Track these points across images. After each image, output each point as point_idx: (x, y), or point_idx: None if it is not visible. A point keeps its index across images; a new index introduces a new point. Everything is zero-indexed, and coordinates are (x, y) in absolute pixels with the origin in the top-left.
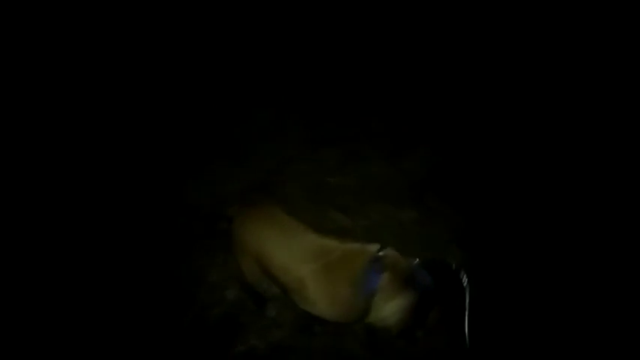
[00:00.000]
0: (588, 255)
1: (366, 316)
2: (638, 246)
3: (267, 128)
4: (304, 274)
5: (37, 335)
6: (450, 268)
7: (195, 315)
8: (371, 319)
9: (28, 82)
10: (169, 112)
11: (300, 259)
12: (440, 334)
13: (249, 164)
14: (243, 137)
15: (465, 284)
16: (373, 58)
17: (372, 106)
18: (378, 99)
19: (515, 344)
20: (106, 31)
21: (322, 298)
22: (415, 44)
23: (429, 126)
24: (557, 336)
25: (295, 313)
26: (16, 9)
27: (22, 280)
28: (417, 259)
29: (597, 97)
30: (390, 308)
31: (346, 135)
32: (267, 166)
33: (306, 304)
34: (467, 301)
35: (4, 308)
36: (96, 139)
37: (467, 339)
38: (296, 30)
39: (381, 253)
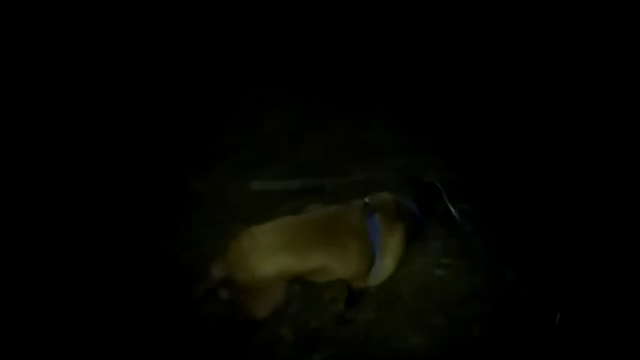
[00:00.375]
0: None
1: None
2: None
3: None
4: (317, 253)
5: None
6: (428, 186)
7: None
8: (383, 261)
9: (20, 84)
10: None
11: (309, 244)
12: None
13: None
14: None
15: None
16: (372, 60)
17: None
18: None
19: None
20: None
21: (339, 262)
22: (411, 43)
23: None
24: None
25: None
26: (16, 9)
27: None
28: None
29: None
30: (393, 242)
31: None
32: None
33: (325, 276)
34: (452, 209)
35: None
36: (95, 140)
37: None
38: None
39: (366, 199)
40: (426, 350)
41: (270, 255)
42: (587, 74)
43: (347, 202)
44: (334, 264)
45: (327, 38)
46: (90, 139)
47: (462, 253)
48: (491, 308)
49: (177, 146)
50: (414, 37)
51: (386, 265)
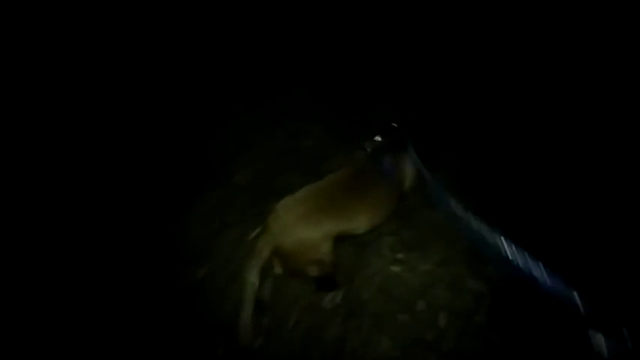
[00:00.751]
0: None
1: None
2: None
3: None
4: (354, 209)
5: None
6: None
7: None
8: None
9: (20, 85)
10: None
11: (344, 202)
12: None
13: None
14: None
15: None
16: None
17: None
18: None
19: None
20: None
21: (374, 210)
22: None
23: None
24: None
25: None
26: (16, 9)
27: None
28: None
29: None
30: (408, 169)
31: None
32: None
33: (364, 226)
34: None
35: None
36: (94, 140)
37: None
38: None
39: (368, 149)
40: (399, 353)
41: (311, 217)
42: (580, 75)
43: (351, 157)
44: (377, 213)
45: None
46: (89, 139)
47: (413, 245)
48: (450, 294)
49: None
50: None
51: (407, 189)
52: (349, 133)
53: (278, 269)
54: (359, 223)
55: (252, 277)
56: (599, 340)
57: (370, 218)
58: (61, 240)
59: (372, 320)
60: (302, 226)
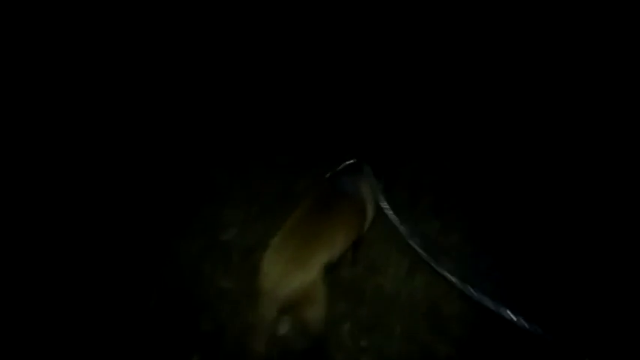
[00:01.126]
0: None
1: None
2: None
3: None
4: (339, 232)
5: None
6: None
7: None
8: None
9: (21, 86)
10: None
11: (328, 231)
12: None
13: None
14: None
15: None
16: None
17: None
18: None
19: None
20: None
21: (353, 227)
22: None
23: None
24: None
25: None
26: (17, 9)
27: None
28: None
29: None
30: (368, 189)
31: None
32: None
33: (344, 245)
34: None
35: None
36: (93, 140)
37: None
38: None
39: (327, 176)
40: None
41: (298, 258)
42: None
43: (314, 187)
44: (351, 230)
45: None
46: (88, 139)
47: (372, 325)
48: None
49: None
50: None
51: (370, 209)
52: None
53: (283, 328)
54: (339, 243)
55: (257, 347)
56: None
57: (346, 235)
58: (58, 239)
59: None
60: (294, 271)
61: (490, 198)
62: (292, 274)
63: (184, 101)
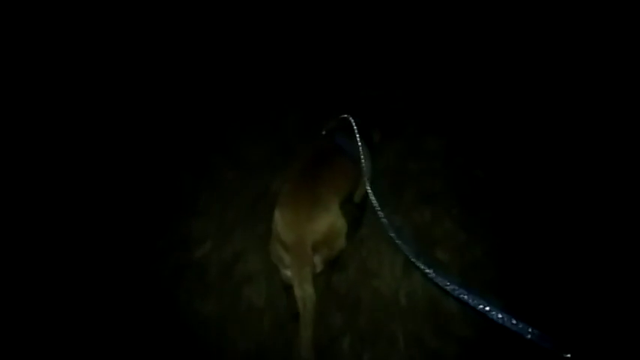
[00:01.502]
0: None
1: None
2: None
3: None
4: (342, 179)
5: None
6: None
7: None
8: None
9: (20, 85)
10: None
11: (334, 177)
12: None
13: None
14: None
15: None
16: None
17: None
18: None
19: None
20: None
21: (351, 178)
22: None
23: None
24: None
25: None
26: (17, 9)
27: None
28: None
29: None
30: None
31: None
32: None
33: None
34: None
35: None
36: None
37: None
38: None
39: (323, 132)
40: None
41: (320, 198)
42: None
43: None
44: (351, 181)
45: None
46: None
47: (374, 336)
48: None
49: None
50: None
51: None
52: None
53: (319, 266)
54: (346, 186)
55: (310, 289)
56: None
57: (347, 183)
58: (57, 239)
59: None
60: (321, 213)
61: (483, 184)
62: (320, 217)
63: (134, 95)
